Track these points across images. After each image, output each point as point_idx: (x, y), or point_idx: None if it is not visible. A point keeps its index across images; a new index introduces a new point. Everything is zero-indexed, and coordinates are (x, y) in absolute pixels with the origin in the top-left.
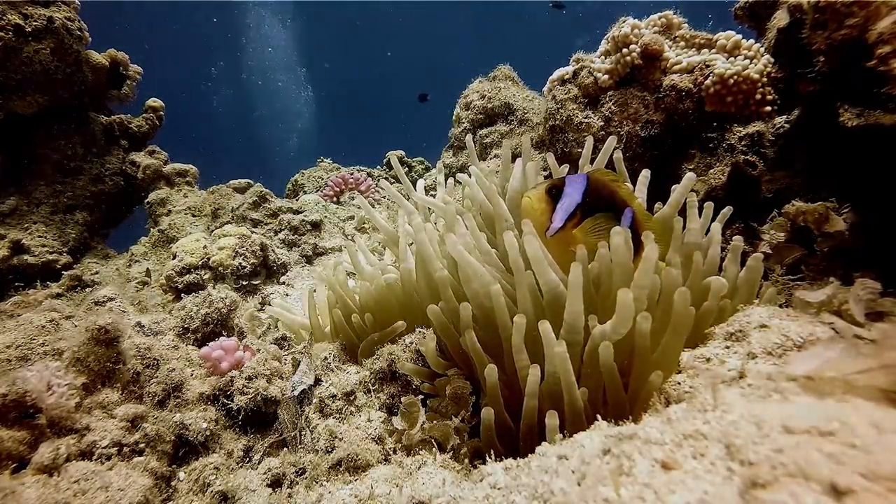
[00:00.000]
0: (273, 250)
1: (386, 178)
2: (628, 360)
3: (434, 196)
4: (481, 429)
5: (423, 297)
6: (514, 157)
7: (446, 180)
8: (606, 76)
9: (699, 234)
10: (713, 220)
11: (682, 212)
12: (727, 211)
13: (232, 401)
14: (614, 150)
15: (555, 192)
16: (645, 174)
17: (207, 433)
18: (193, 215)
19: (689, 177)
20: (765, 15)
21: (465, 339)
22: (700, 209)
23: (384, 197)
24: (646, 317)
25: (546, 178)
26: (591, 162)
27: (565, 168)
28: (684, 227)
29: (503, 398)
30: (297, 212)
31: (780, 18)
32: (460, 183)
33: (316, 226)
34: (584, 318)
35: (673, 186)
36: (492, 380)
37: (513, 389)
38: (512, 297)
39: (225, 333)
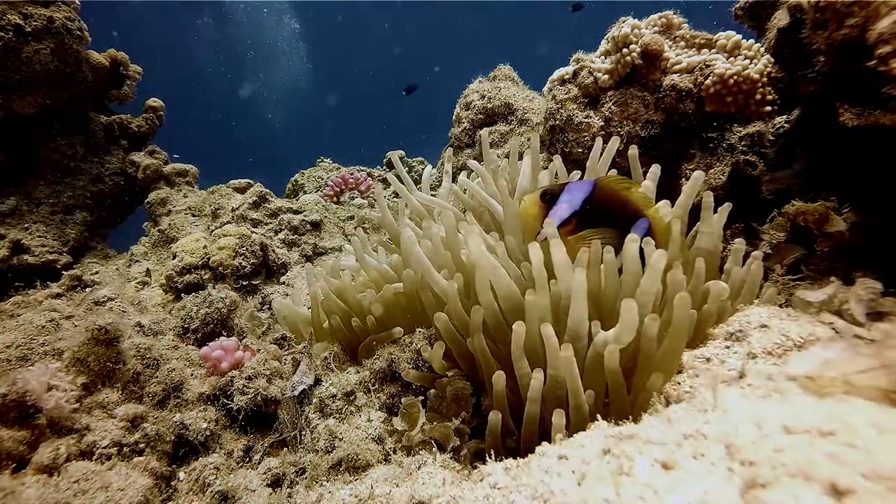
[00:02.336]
0: (273, 250)
1: (387, 177)
2: (631, 362)
3: (439, 190)
4: (487, 433)
5: (427, 301)
6: (521, 155)
7: (455, 177)
8: (606, 76)
9: (711, 239)
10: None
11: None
12: (726, 207)
13: (232, 401)
14: (629, 147)
15: (549, 198)
16: (654, 170)
17: (207, 433)
18: (193, 215)
19: (695, 176)
20: (765, 15)
21: (473, 342)
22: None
23: (385, 197)
24: (654, 318)
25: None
26: (599, 164)
27: (576, 175)
28: (689, 229)
29: (508, 403)
30: (297, 212)
31: (781, 18)
32: (471, 172)
33: (316, 226)
34: (589, 324)
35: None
36: (499, 387)
37: (518, 395)
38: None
39: (225, 333)
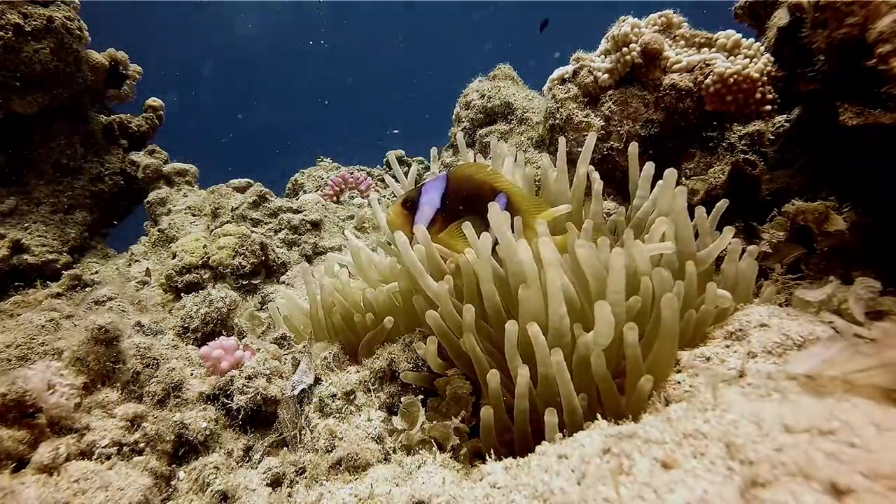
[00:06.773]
0: (273, 249)
1: (390, 176)
2: (623, 361)
3: None
4: (481, 430)
5: (420, 307)
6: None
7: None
8: (606, 75)
9: (691, 241)
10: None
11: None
12: (722, 204)
13: (232, 400)
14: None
15: (410, 205)
16: (648, 169)
17: (207, 433)
18: (193, 215)
19: (667, 174)
20: (765, 14)
21: (464, 342)
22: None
23: (384, 196)
24: (632, 327)
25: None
26: (592, 162)
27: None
28: (696, 234)
29: (506, 400)
30: (297, 211)
31: (781, 17)
32: None
33: (316, 225)
34: (571, 323)
35: (658, 182)
36: (493, 385)
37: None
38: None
39: (225, 333)
